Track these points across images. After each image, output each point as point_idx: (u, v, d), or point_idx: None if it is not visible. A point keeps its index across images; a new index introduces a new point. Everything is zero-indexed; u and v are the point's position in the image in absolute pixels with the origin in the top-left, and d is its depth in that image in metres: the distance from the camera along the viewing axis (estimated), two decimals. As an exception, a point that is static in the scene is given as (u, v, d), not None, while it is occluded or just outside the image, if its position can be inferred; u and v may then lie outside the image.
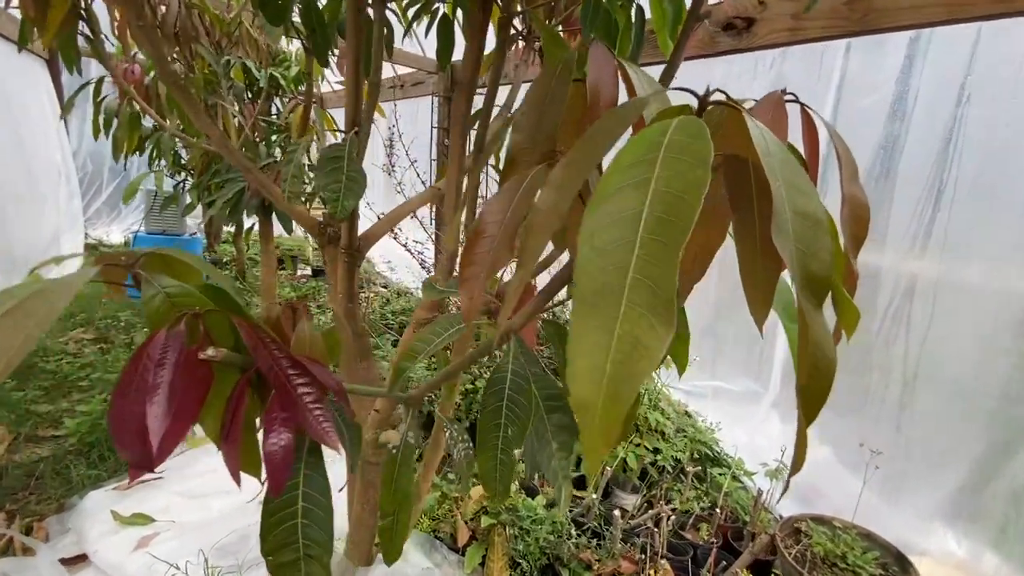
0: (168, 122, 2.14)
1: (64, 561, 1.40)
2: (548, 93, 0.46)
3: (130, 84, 2.20)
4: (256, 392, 0.44)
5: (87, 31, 1.74)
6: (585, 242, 0.27)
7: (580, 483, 1.93)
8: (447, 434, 0.68)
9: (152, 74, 2.26)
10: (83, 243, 4.08)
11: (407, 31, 1.45)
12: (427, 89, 3.14)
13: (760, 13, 1.81)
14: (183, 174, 3.11)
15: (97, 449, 1.86)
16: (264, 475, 0.45)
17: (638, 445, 2.02)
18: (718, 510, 1.70)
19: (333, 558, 1.13)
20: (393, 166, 2.78)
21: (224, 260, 4.10)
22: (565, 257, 0.56)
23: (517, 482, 1.77)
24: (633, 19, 1.14)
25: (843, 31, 1.63)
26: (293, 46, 2.79)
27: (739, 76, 1.94)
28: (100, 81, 1.93)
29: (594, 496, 1.68)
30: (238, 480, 0.42)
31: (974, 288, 1.50)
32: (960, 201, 1.50)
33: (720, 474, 1.99)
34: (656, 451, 2.04)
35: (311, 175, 1.97)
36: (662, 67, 0.87)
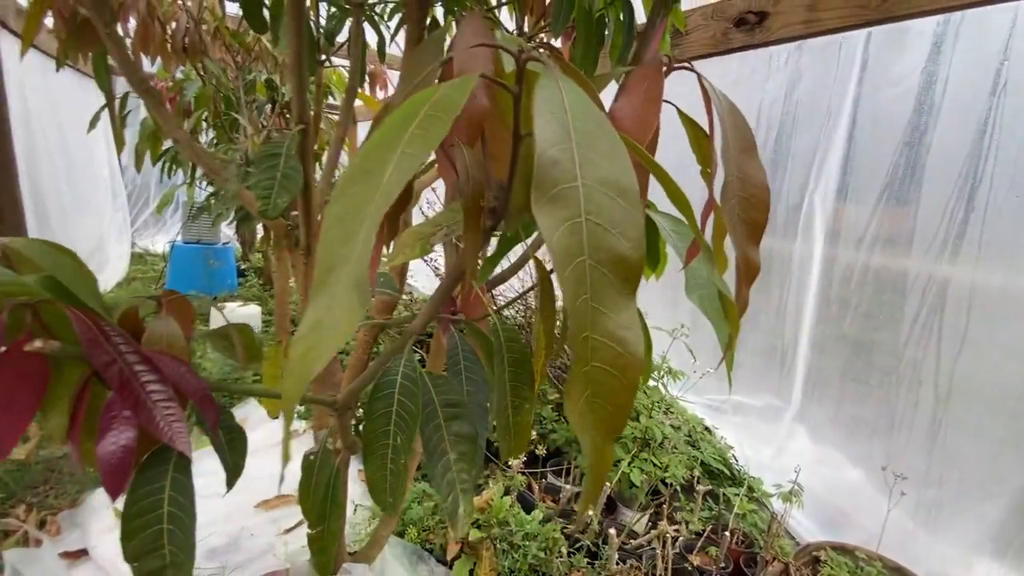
0: (205, 135, 2.24)
1: (66, 555, 1.45)
2: (418, 72, 0.43)
3: (163, 100, 2.32)
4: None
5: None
6: (328, 212, 0.24)
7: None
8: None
9: (185, 90, 2.38)
10: (129, 252, 4.34)
11: (394, 35, 1.45)
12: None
13: (773, 6, 1.74)
14: (213, 184, 3.26)
15: (112, 447, 1.94)
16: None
17: (644, 460, 1.92)
18: (728, 533, 1.58)
19: (304, 566, 1.10)
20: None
21: (254, 267, 4.26)
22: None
23: (514, 495, 1.72)
24: (622, 17, 1.09)
25: (862, 20, 1.53)
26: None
27: (752, 74, 1.84)
28: (125, 97, 2.04)
29: (590, 512, 1.61)
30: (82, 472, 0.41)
31: (1014, 294, 1.34)
32: (997, 199, 1.36)
33: (735, 494, 1.86)
34: (666, 467, 1.94)
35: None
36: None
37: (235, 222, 2.50)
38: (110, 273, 3.77)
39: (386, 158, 0.23)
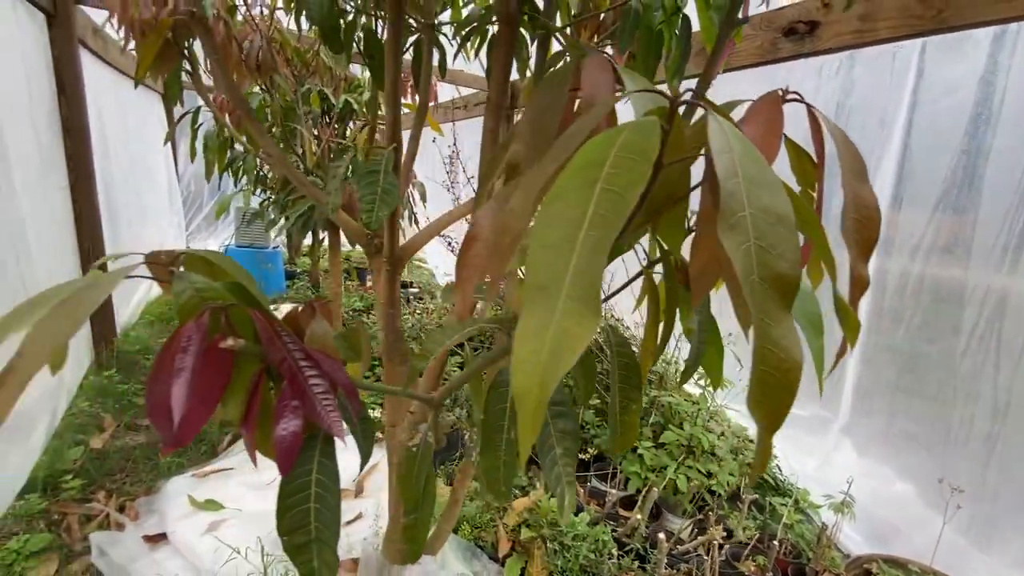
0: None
1: (147, 538, 1.55)
2: (547, 103, 0.48)
3: (223, 112, 2.47)
4: (277, 382, 0.49)
5: (189, 67, 1.98)
6: (536, 239, 0.29)
7: (629, 504, 1.87)
8: (467, 437, 0.70)
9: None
10: (182, 255, 4.58)
11: (457, 53, 1.52)
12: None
13: (824, 16, 1.74)
14: (267, 192, 3.41)
15: (180, 440, 2.06)
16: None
17: (690, 467, 1.93)
18: (776, 542, 1.58)
19: (372, 555, 1.16)
20: (452, 183, 2.89)
21: (302, 271, 4.43)
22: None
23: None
24: (679, 32, 1.13)
25: (915, 31, 1.52)
26: (367, 73, 3.01)
27: (801, 82, 1.85)
28: (197, 111, 2.18)
29: (639, 516, 1.63)
30: (255, 460, 0.47)
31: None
32: (1062, 210, 1.33)
33: (782, 504, 1.85)
34: (709, 474, 1.94)
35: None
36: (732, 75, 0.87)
37: (287, 228, 2.63)
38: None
39: (586, 195, 0.28)
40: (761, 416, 0.27)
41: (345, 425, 0.55)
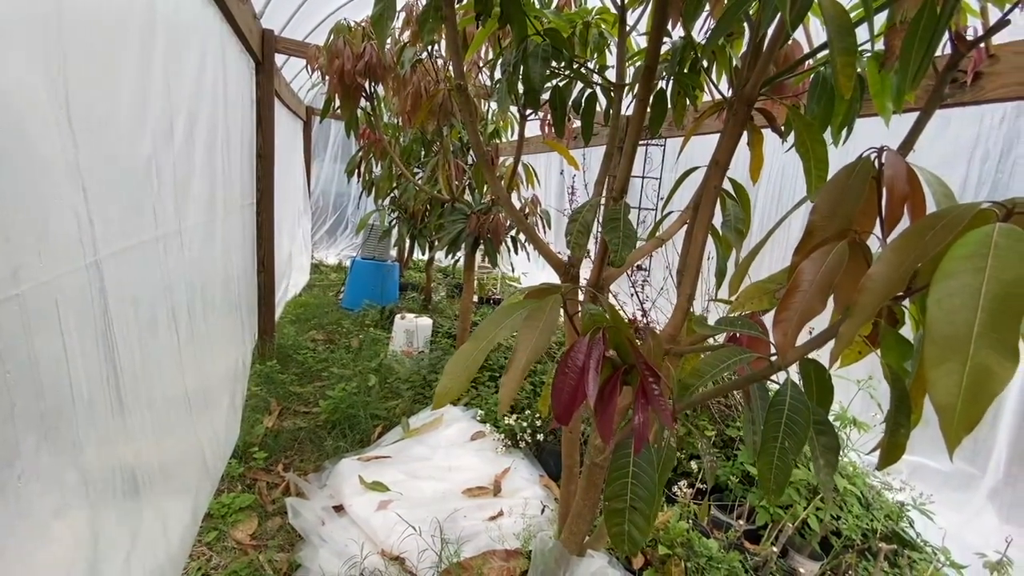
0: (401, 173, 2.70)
1: (335, 508, 1.81)
2: (845, 186, 0.62)
3: (374, 144, 2.83)
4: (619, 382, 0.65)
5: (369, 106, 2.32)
6: (934, 305, 0.42)
7: (754, 537, 1.90)
8: (699, 444, 0.83)
9: (401, 138, 2.91)
10: (310, 263, 5.12)
11: (630, 104, 1.70)
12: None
13: (990, 67, 1.76)
14: (395, 213, 3.79)
15: (339, 427, 2.35)
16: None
17: (819, 509, 1.93)
18: (921, 595, 1.56)
19: (548, 546, 1.31)
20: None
21: (414, 284, 4.80)
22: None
23: (690, 521, 1.83)
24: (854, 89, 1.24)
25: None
26: (493, 105, 3.31)
27: (959, 130, 1.85)
28: (367, 147, 2.53)
29: (774, 549, 1.67)
30: (608, 439, 0.63)
31: None
32: None
33: (921, 558, 1.80)
34: (837, 518, 1.93)
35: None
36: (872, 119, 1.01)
37: (439, 247, 2.92)
38: (298, 278, 4.49)
39: (977, 278, 0.41)
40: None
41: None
